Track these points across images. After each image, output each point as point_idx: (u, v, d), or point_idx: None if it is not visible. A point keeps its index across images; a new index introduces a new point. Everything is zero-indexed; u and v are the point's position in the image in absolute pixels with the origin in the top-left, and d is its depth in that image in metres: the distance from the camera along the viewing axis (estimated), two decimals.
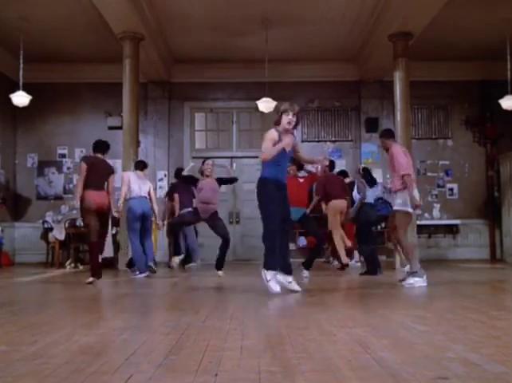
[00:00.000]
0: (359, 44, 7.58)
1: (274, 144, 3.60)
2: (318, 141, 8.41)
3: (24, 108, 7.08)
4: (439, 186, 8.43)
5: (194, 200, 5.84)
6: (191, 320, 2.55)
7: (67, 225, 7.15)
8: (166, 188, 7.76)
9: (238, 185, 8.44)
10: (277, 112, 3.84)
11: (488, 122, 8.32)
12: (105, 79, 7.94)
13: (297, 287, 3.71)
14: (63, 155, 8.42)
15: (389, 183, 4.86)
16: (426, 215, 8.36)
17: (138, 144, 6.83)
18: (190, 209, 5.84)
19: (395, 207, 4.26)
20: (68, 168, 8.42)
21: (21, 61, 6.78)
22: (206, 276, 5.37)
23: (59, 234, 7.06)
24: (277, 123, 3.78)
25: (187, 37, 7.31)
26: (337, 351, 1.83)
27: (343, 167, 7.64)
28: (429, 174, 8.41)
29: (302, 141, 8.39)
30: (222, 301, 3.65)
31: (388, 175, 7.23)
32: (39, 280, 5.31)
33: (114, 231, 6.84)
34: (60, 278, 5.54)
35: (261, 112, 7.46)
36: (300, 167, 5.12)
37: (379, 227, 7.37)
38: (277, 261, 3.61)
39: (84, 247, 7.33)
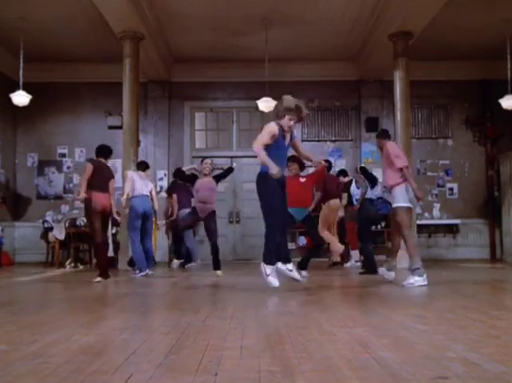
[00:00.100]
0: (359, 43, 7.58)
1: (273, 137, 3.54)
2: (318, 141, 8.40)
3: (24, 107, 7.08)
4: (439, 185, 8.43)
5: (192, 200, 5.84)
6: (190, 319, 2.55)
7: (67, 225, 7.15)
8: (166, 188, 7.77)
9: (238, 184, 8.45)
10: (280, 104, 3.66)
11: (488, 122, 8.31)
12: (105, 78, 7.94)
13: (297, 275, 3.71)
14: (63, 155, 8.42)
15: (379, 189, 4.85)
16: (426, 214, 8.37)
17: (138, 143, 6.84)
18: (188, 209, 5.85)
19: (394, 205, 4.21)
20: (69, 168, 8.41)
21: (22, 60, 6.78)
22: (206, 276, 5.37)
23: (59, 233, 7.06)
24: (280, 114, 3.64)
25: (187, 36, 7.30)
26: (337, 351, 1.83)
27: (343, 167, 7.64)
28: (429, 173, 8.41)
29: (302, 141, 8.37)
30: (222, 300, 3.65)
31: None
32: (39, 280, 5.31)
33: (114, 231, 6.84)
34: (60, 278, 5.54)
35: (262, 112, 7.45)
36: (302, 166, 5.07)
37: (379, 226, 7.37)
38: (275, 255, 3.61)
39: (84, 247, 7.34)
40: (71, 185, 8.36)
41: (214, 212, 5.21)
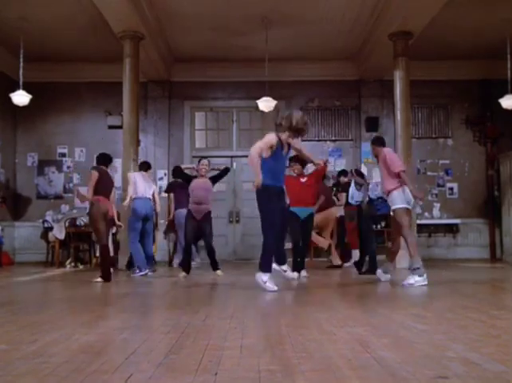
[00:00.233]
0: (359, 43, 7.57)
1: (271, 148, 3.59)
2: (318, 140, 8.40)
3: (24, 107, 7.07)
4: (439, 185, 8.43)
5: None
6: (190, 319, 2.55)
7: (67, 224, 7.14)
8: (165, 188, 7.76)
9: (238, 184, 8.45)
10: (287, 119, 3.66)
11: (488, 121, 8.31)
12: (105, 78, 7.93)
13: (291, 275, 3.83)
14: (63, 155, 8.41)
15: (379, 189, 4.87)
16: (426, 214, 8.36)
17: (138, 143, 6.83)
18: (184, 209, 5.82)
19: (393, 207, 4.29)
20: (69, 167, 8.40)
21: (22, 60, 6.77)
22: (206, 275, 5.37)
23: (59, 233, 7.05)
24: (280, 128, 3.68)
25: (187, 36, 7.30)
26: (337, 350, 1.83)
27: (343, 167, 7.64)
28: (429, 173, 8.41)
29: (302, 141, 8.33)
30: (222, 300, 3.65)
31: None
32: (39, 279, 5.31)
33: (114, 231, 6.84)
34: (60, 278, 5.54)
35: (262, 112, 7.45)
36: (304, 166, 5.06)
37: (379, 226, 7.37)
38: (272, 263, 3.73)
39: (84, 247, 7.34)
40: (71, 185, 8.35)
41: (209, 213, 5.20)
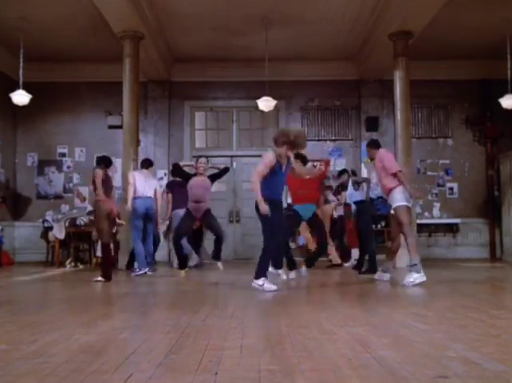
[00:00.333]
0: (359, 43, 7.57)
1: (271, 169, 3.72)
2: (318, 140, 8.39)
3: (24, 107, 7.07)
4: (439, 185, 8.42)
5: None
6: (190, 319, 2.54)
7: (67, 224, 7.14)
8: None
9: (238, 184, 8.45)
10: (285, 134, 3.76)
11: (488, 121, 8.30)
12: (105, 78, 7.92)
13: (284, 277, 4.08)
14: (63, 155, 8.41)
15: (379, 189, 4.90)
16: (426, 213, 8.36)
17: (138, 143, 6.83)
18: (183, 210, 5.80)
19: (394, 205, 4.32)
20: (69, 167, 8.40)
21: (21, 60, 6.77)
22: (206, 275, 5.37)
23: (59, 233, 7.05)
24: (278, 143, 3.76)
25: (187, 36, 7.30)
26: (337, 350, 1.83)
27: (343, 166, 7.64)
28: (429, 173, 8.41)
29: None
30: (222, 299, 3.65)
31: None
32: (39, 279, 5.31)
33: (114, 230, 6.83)
34: (60, 278, 5.54)
35: (262, 111, 7.44)
36: (305, 161, 5.03)
37: (379, 225, 7.37)
38: (267, 269, 3.86)
39: (84, 246, 7.34)
40: (71, 185, 8.35)
41: (209, 210, 5.16)
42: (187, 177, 5.29)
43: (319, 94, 8.38)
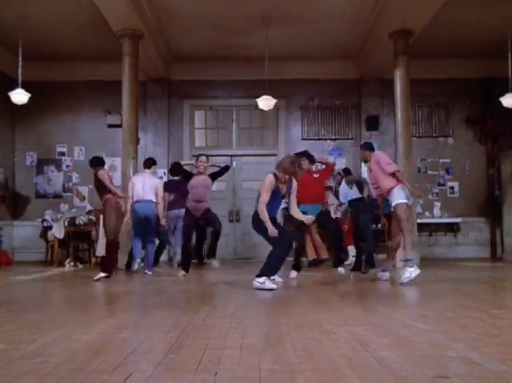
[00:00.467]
0: (359, 42, 7.56)
1: (273, 190, 3.89)
2: (318, 139, 8.38)
3: (23, 106, 7.05)
4: (439, 184, 8.42)
5: (188, 196, 5.70)
6: (190, 318, 2.54)
7: (66, 223, 7.13)
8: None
9: (238, 183, 8.44)
10: (280, 165, 3.96)
11: (489, 120, 8.29)
12: (104, 77, 7.91)
13: (277, 281, 4.21)
14: (62, 154, 8.39)
15: (373, 190, 4.92)
16: (426, 213, 8.36)
17: (137, 142, 6.81)
18: (176, 210, 5.79)
19: (395, 203, 4.35)
20: (68, 166, 8.39)
21: (20, 58, 6.75)
22: (206, 275, 5.36)
23: (58, 232, 7.04)
24: (281, 167, 3.95)
25: (186, 34, 7.28)
26: (337, 349, 1.83)
27: (343, 166, 7.62)
28: (430, 172, 8.40)
29: (302, 139, 8.36)
30: (222, 299, 3.64)
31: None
32: (38, 279, 5.31)
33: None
34: (59, 277, 5.53)
35: (261, 110, 7.43)
36: (312, 161, 5.04)
37: (379, 225, 7.36)
38: (275, 272, 4.02)
39: (84, 246, 7.33)
40: (70, 184, 8.33)
41: (208, 209, 5.15)
42: (188, 176, 5.28)
43: (319, 93, 8.37)
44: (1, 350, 1.88)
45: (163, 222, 5.74)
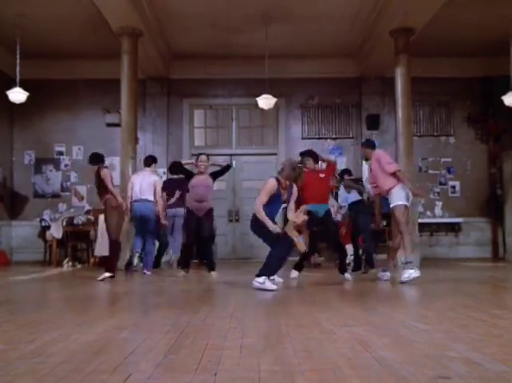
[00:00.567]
0: (360, 40, 7.54)
1: (275, 194, 3.92)
2: (319, 138, 8.37)
3: (21, 104, 7.03)
4: (440, 183, 8.40)
5: (188, 196, 5.64)
6: (190, 318, 2.53)
7: (64, 223, 7.10)
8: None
9: (238, 183, 8.42)
10: (282, 171, 4.03)
11: (490, 119, 8.27)
12: (103, 75, 7.88)
13: (277, 281, 4.23)
14: (60, 153, 8.36)
15: (371, 189, 4.91)
16: (428, 212, 8.34)
17: (136, 141, 6.79)
18: (175, 209, 5.77)
19: (393, 204, 4.34)
20: (66, 166, 8.36)
21: (18, 57, 6.72)
22: (206, 275, 5.35)
23: (56, 232, 7.01)
24: (283, 174, 4.02)
25: (186, 33, 7.26)
26: (337, 350, 1.82)
27: (343, 165, 7.61)
28: (431, 171, 8.38)
29: (303, 138, 8.35)
30: (222, 299, 3.64)
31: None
32: (37, 279, 5.30)
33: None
34: (58, 277, 5.52)
35: (261, 109, 7.41)
36: (316, 160, 5.01)
37: (372, 225, 7.34)
38: (275, 272, 4.03)
39: (82, 246, 7.31)
40: (68, 183, 8.31)
41: (211, 210, 5.13)
42: (189, 175, 5.26)
43: (319, 92, 8.35)
44: (1, 350, 1.87)
45: (163, 221, 5.72)
